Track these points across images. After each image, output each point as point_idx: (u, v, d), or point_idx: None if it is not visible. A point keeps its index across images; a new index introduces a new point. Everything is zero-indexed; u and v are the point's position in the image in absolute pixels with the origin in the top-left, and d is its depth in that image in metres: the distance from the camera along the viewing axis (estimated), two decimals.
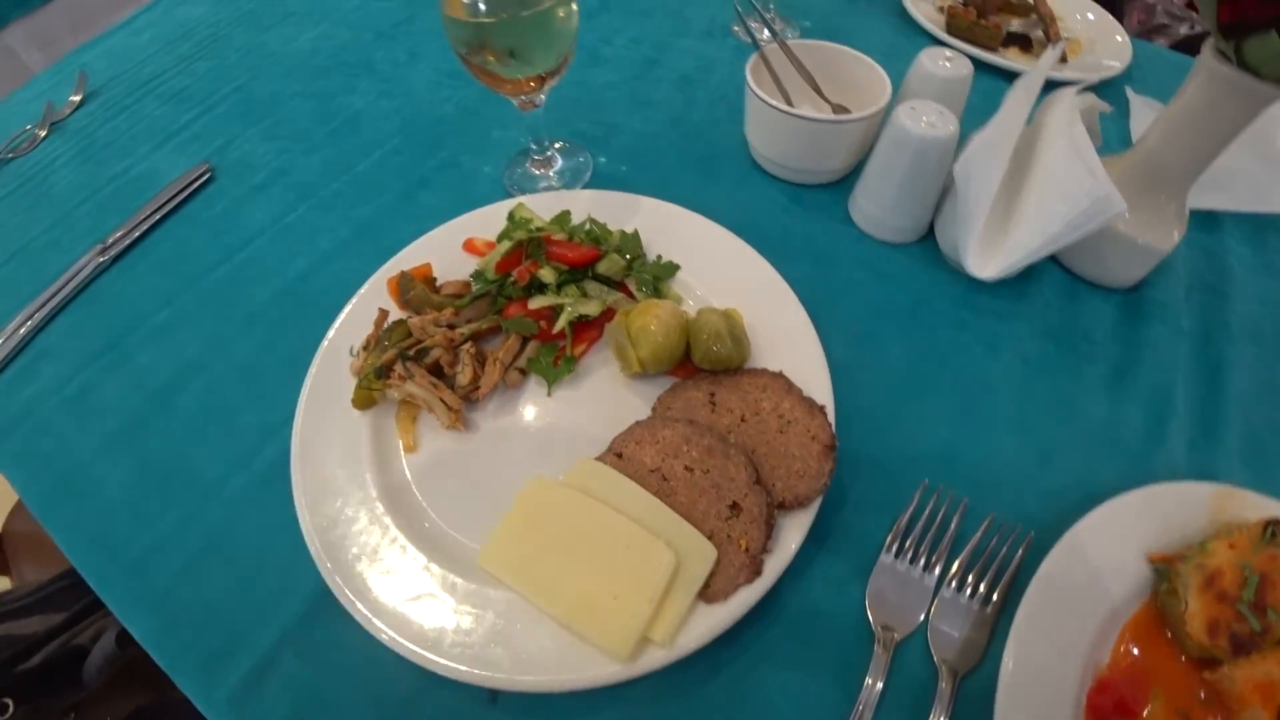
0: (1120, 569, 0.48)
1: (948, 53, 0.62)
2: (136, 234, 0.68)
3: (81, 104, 0.85)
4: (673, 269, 0.56)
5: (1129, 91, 0.78)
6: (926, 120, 0.55)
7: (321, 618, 0.44)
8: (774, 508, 0.41)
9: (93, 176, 0.76)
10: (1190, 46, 1.51)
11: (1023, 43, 0.85)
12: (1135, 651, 0.47)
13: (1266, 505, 0.52)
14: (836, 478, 0.45)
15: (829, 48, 0.66)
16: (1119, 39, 0.83)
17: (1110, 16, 0.88)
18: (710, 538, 0.41)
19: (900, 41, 0.85)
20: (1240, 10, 0.44)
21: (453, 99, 0.79)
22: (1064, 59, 0.82)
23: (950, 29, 0.83)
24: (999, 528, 0.47)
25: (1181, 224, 0.59)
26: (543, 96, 0.60)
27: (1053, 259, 0.63)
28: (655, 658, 0.38)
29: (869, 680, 0.41)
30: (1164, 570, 0.49)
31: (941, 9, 0.88)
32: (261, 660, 0.43)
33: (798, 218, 0.64)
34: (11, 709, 0.63)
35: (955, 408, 0.53)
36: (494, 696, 0.40)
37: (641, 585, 0.38)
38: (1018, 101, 0.56)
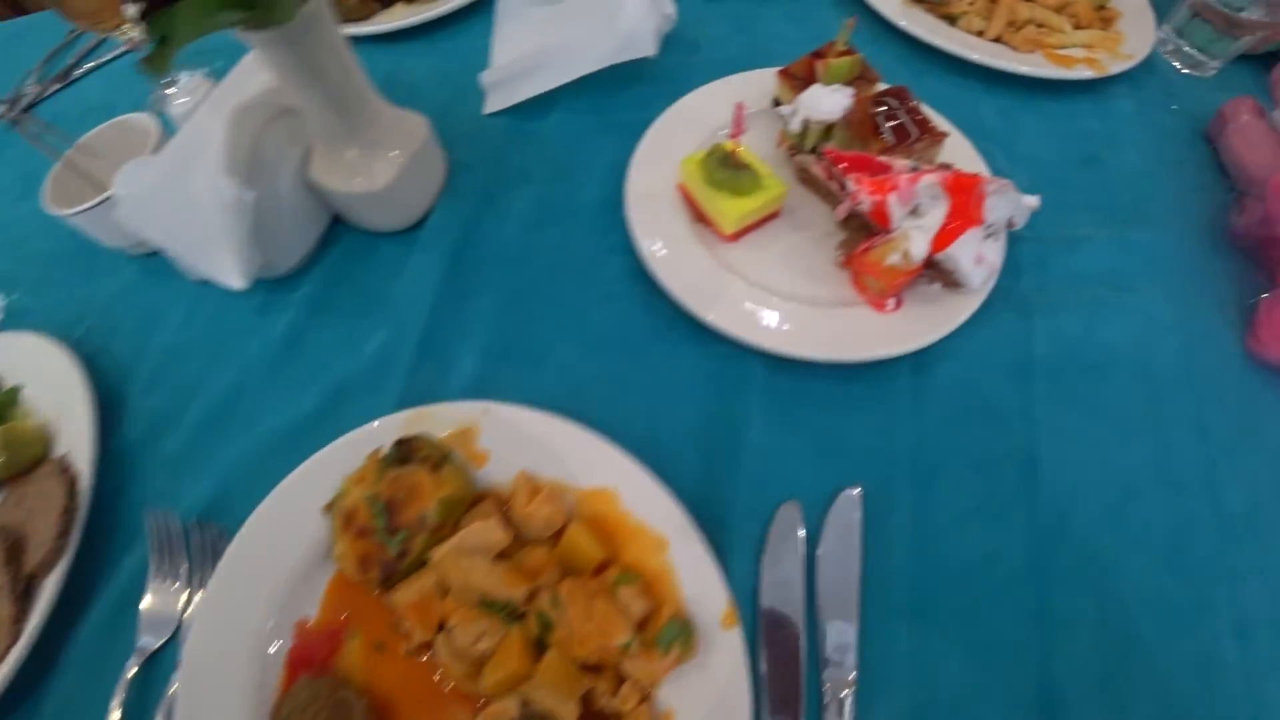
0: (308, 528, 0.52)
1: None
2: None
3: None
4: None
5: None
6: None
7: None
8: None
9: None
10: None
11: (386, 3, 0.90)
12: (340, 601, 0.51)
13: (459, 412, 0.55)
14: None
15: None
16: None
17: None
18: None
19: None
20: None
21: None
22: None
23: None
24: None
25: (389, 168, 0.64)
26: None
27: (346, 224, 0.70)
28: None
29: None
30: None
31: None
32: None
33: None
34: None
35: (229, 414, 0.63)
36: None
37: None
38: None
